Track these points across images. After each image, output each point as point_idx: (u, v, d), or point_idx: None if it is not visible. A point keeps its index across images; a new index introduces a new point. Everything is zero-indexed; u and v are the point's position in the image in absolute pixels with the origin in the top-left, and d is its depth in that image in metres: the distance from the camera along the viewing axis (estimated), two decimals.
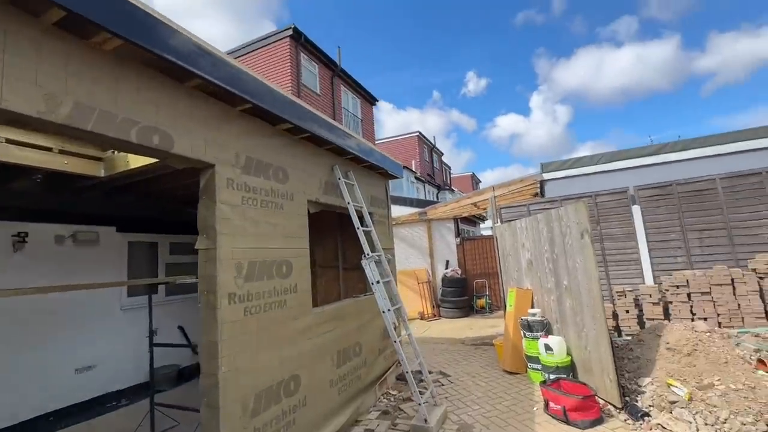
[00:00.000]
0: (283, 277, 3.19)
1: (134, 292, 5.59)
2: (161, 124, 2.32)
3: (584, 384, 3.72)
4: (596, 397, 3.56)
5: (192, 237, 6.20)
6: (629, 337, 5.20)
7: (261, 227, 3.02)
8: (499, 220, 6.57)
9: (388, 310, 3.80)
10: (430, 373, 5.33)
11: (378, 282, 3.86)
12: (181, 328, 6.12)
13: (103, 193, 4.93)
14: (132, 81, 2.18)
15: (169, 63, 2.24)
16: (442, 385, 4.83)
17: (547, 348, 4.28)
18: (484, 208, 8.27)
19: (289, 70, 11.59)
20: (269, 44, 12.05)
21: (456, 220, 10.52)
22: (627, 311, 5.72)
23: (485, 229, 14.88)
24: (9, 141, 3.41)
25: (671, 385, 3.55)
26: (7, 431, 4.06)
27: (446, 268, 10.13)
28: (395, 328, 3.88)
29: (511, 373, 4.97)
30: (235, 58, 13.03)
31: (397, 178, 5.98)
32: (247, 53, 12.50)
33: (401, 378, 5.20)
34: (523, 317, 4.84)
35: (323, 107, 13.21)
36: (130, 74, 2.18)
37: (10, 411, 4.11)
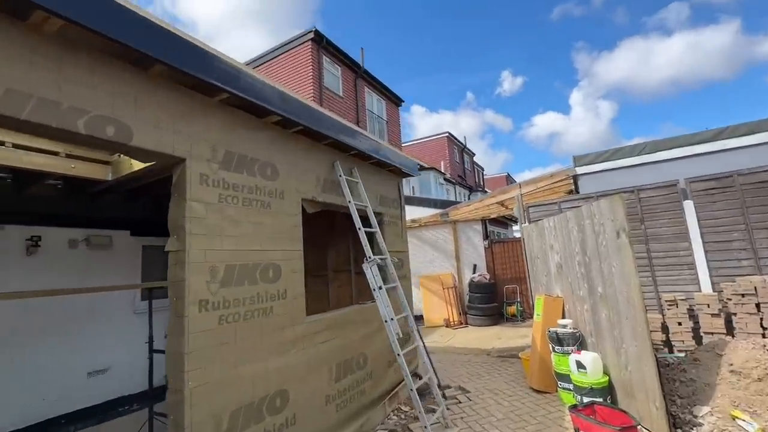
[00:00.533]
0: (270, 282, 2.92)
1: (148, 296, 5.59)
2: (118, 115, 2.12)
3: (624, 411, 3.13)
4: (639, 428, 2.97)
5: None
6: (682, 355, 4.45)
7: (243, 227, 2.77)
8: (526, 220, 5.98)
9: (391, 319, 3.43)
10: (447, 387, 4.87)
11: (380, 288, 3.50)
12: None
13: (117, 197, 4.96)
14: (82, 67, 2.00)
15: (125, 47, 2.04)
16: (459, 402, 4.36)
17: (579, 366, 3.70)
18: (512, 208, 7.64)
19: (311, 74, 11.57)
20: (291, 49, 12.12)
21: (484, 221, 9.92)
22: (679, 323, 4.94)
23: (518, 231, 14.05)
24: (16, 146, 3.41)
25: (737, 417, 2.89)
26: None
27: (473, 273, 9.55)
28: (408, 339, 3.49)
29: (539, 391, 4.40)
30: (258, 65, 13.24)
31: (411, 176, 5.60)
32: (270, 60, 12.65)
33: (417, 389, 4.78)
34: (551, 329, 4.28)
35: (346, 109, 13.09)
36: (80, 59, 1.99)
37: (21, 413, 4.15)
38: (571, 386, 3.86)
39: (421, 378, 4.82)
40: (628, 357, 3.38)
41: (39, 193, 4.44)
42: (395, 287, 3.90)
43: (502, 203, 7.50)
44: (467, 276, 9.59)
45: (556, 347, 4.13)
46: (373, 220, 4.10)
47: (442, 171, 20.49)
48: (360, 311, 4.00)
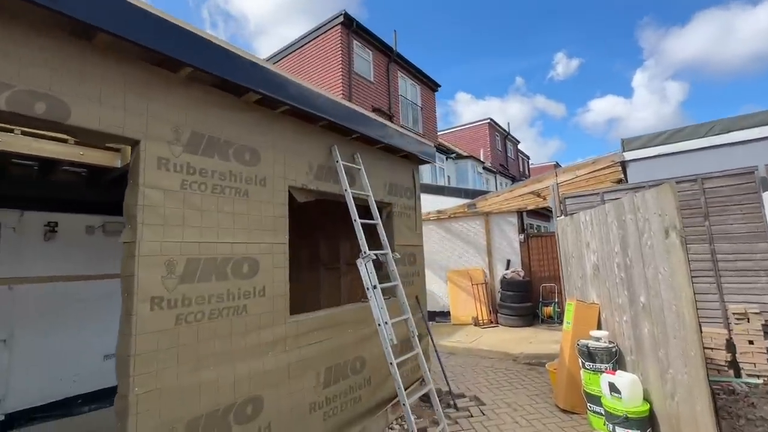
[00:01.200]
0: (244, 277, 2.64)
1: None
2: (54, 90, 1.90)
3: None
4: None
5: None
6: (754, 381, 3.63)
7: (211, 217, 2.50)
8: (562, 213, 5.26)
9: (385, 322, 3.04)
10: (461, 397, 4.41)
11: (375, 287, 3.12)
12: None
13: None
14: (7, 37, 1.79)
15: (63, 16, 1.80)
16: (471, 416, 3.90)
17: (613, 388, 3.09)
18: (548, 199, 6.85)
19: (340, 59, 11.26)
20: (321, 34, 11.85)
21: (520, 213, 9.12)
22: (751, 342, 4.06)
23: None
24: (24, 133, 3.41)
25: None
26: (37, 410, 4.28)
27: (507, 269, 8.84)
28: (409, 344, 3.09)
29: (565, 411, 3.82)
30: (288, 54, 13.15)
31: (428, 163, 5.10)
32: (300, 47, 12.49)
33: (427, 398, 4.38)
34: (582, 341, 3.66)
35: (377, 95, 12.66)
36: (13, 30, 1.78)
37: (40, 392, 4.33)
38: (602, 410, 3.25)
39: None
40: (675, 385, 2.73)
41: (59, 179, 4.56)
42: (395, 287, 3.49)
43: (537, 194, 6.74)
44: (499, 272, 8.91)
45: (587, 363, 3.51)
46: (375, 210, 3.70)
47: (482, 159, 19.45)
48: (357, 311, 3.65)
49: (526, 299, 8.28)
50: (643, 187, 4.81)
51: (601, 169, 5.27)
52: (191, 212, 2.40)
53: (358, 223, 3.35)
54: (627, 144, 5.06)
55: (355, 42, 11.95)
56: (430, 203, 9.05)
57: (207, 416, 2.32)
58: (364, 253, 3.22)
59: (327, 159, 3.54)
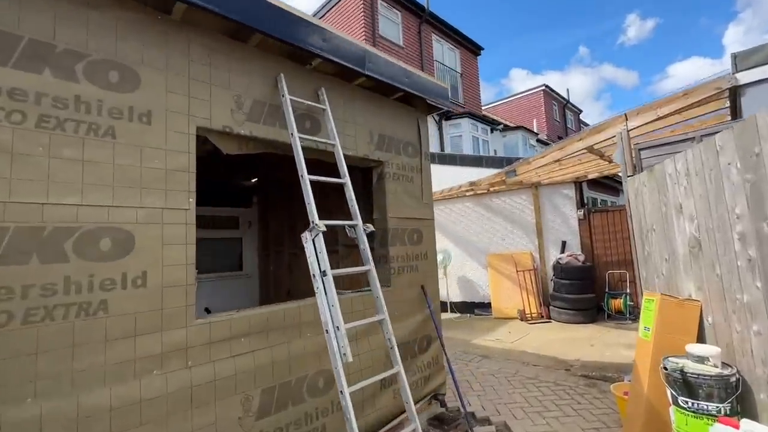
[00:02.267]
0: (102, 258, 1.73)
1: None
2: None
3: None
4: None
5: (222, 209, 5.18)
6: None
7: (34, 165, 1.61)
8: (634, 170, 3.72)
9: (336, 328, 1.96)
10: (485, 422, 3.23)
11: (324, 274, 2.05)
12: (207, 310, 5.48)
13: None
14: None
15: None
16: None
17: None
18: (611, 157, 5.16)
19: (362, 21, 10.11)
20: None
21: (578, 184, 7.40)
22: None
23: None
24: None
25: None
26: None
27: (562, 252, 7.24)
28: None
29: None
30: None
31: (438, 109, 3.84)
32: (325, 14, 11.51)
33: (438, 421, 3.27)
34: (672, 359, 2.28)
35: (407, 62, 11.33)
36: None
37: None
38: None
39: (443, 404, 3.29)
40: None
41: None
42: (368, 272, 2.39)
43: (600, 154, 5.10)
44: (552, 256, 7.34)
45: (681, 398, 2.14)
46: (342, 164, 2.61)
47: (535, 131, 17.19)
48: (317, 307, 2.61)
49: (587, 289, 6.66)
50: None
51: (697, 103, 3.61)
52: None
53: (306, 180, 2.29)
54: (742, 60, 3.36)
55: (380, 2, 10.69)
56: (465, 178, 7.69)
57: None
58: (314, 224, 2.16)
59: (272, 94, 2.50)
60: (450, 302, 7.95)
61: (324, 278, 2.05)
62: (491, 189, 7.54)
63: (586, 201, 7.58)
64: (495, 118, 15.37)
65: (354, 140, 3.00)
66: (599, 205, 8.63)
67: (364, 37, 10.06)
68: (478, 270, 7.99)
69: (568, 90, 22.57)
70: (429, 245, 3.59)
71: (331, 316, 1.99)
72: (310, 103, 2.63)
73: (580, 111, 24.80)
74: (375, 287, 2.35)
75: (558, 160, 5.30)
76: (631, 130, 3.96)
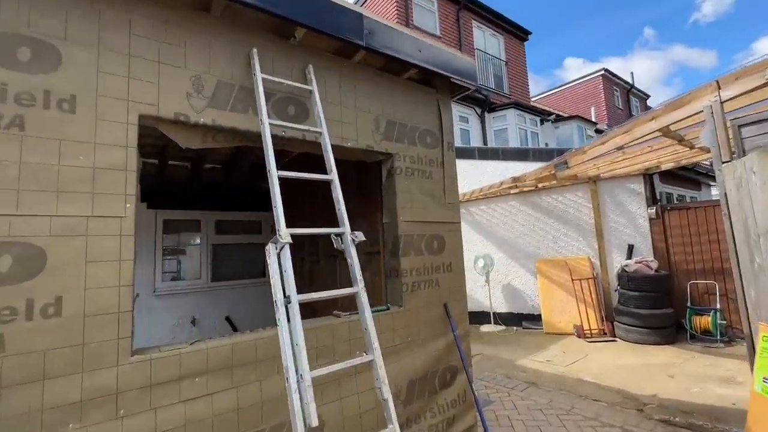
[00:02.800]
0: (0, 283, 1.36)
1: (171, 278, 4.98)
2: None
3: None
4: None
5: (244, 213, 4.91)
6: None
7: None
8: (732, 154, 2.78)
9: (300, 377, 1.44)
10: None
11: (288, 301, 1.54)
12: (228, 319, 5.26)
13: None
14: None
15: None
16: None
17: None
18: (693, 141, 4.06)
19: (395, 11, 9.57)
20: None
21: (648, 176, 6.22)
22: None
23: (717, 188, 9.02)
24: None
25: None
26: None
27: (628, 258, 6.13)
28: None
29: None
30: None
31: (465, 90, 3.18)
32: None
33: None
34: None
35: None
36: None
37: None
38: None
39: None
40: None
41: None
42: (355, 294, 1.84)
43: (679, 138, 4.06)
44: (616, 262, 6.25)
45: None
46: (330, 157, 2.09)
47: (593, 120, 15.47)
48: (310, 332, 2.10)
49: (664, 303, 5.53)
50: None
51: None
52: None
53: (273, 177, 1.79)
54: None
55: None
56: (509, 174, 6.83)
57: None
58: (279, 234, 1.65)
59: (244, 75, 2.05)
60: (494, 313, 7.12)
61: (288, 306, 1.54)
62: (539, 185, 6.61)
63: (658, 197, 6.38)
64: (544, 108, 14.04)
65: (354, 129, 2.47)
66: (676, 201, 7.29)
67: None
68: (525, 277, 7.07)
69: (632, 74, 20.19)
70: (454, 254, 2.95)
71: (294, 358, 1.47)
72: (291, 83, 2.14)
73: (647, 96, 22.13)
74: (364, 316, 1.79)
75: (621, 148, 4.33)
76: (726, 101, 3.00)
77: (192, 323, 4.96)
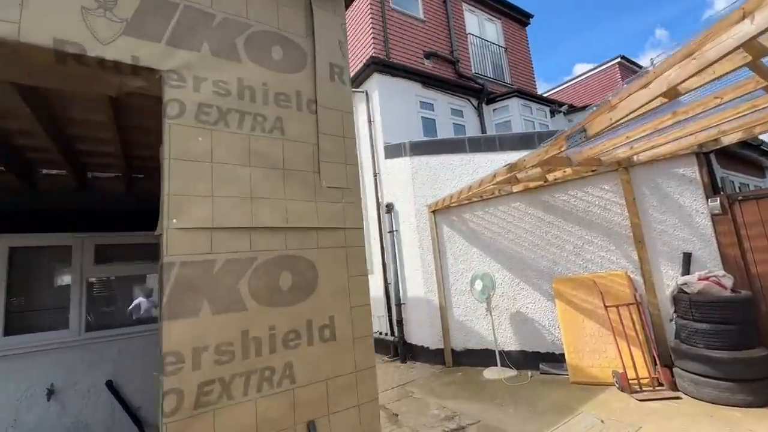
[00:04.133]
0: None
1: (18, 329, 3.51)
2: None
3: None
4: None
5: (138, 234, 3.27)
6: None
7: None
8: None
9: None
10: None
11: None
12: (111, 386, 3.71)
13: None
14: None
15: None
16: None
17: None
18: None
19: None
20: None
21: (704, 156, 4.45)
22: None
23: None
24: None
25: None
26: None
27: (686, 272, 4.31)
28: None
29: None
30: None
31: None
32: None
33: None
34: None
35: (432, 37, 9.16)
36: None
37: None
38: None
39: None
40: None
41: None
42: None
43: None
44: (667, 278, 4.44)
45: None
46: None
47: None
48: None
49: (750, 340, 3.68)
50: None
51: None
52: None
53: None
54: None
55: None
56: None
57: None
58: None
59: None
60: (500, 351, 5.34)
61: None
62: (549, 177, 4.90)
63: (720, 183, 4.58)
64: (552, 98, 12.33)
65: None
66: (748, 188, 5.44)
67: (370, 11, 8.16)
68: (539, 302, 5.29)
69: (652, 60, 18.17)
70: (342, 297, 1.33)
71: None
72: None
73: None
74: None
75: (677, 86, 2.54)
76: None
77: (48, 396, 3.44)
